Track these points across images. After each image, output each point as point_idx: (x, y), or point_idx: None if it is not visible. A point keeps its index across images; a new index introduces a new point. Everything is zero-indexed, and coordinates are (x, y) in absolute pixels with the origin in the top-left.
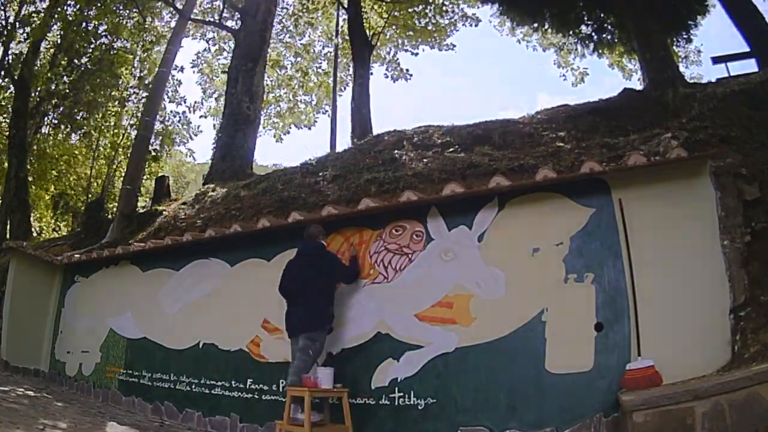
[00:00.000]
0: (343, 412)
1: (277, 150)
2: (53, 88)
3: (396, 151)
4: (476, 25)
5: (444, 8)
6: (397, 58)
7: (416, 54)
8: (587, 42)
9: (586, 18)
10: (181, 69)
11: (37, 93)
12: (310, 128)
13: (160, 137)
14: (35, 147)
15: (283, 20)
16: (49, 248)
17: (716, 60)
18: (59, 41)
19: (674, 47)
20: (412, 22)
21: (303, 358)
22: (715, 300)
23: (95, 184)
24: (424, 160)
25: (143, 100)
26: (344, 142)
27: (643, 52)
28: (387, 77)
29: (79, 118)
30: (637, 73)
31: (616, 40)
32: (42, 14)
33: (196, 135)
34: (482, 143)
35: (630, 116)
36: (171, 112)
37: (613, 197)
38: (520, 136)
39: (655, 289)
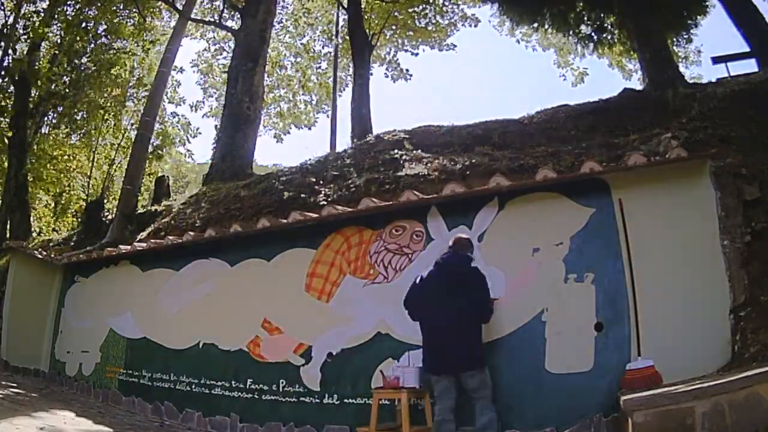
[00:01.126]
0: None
1: (277, 150)
2: (53, 88)
3: (396, 151)
4: (476, 26)
5: (444, 8)
6: (397, 58)
7: (416, 54)
8: (587, 42)
9: (586, 18)
10: (181, 70)
11: (37, 93)
12: (310, 128)
13: (160, 137)
14: (35, 147)
15: (283, 20)
16: (49, 248)
17: (716, 60)
18: (59, 41)
19: (674, 47)
20: (412, 22)
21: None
22: (715, 300)
23: (95, 184)
24: (424, 160)
25: (143, 100)
26: (344, 142)
27: (643, 52)
28: (387, 77)
29: (79, 118)
30: (637, 73)
31: (616, 40)
32: (42, 14)
33: (195, 136)
34: (482, 143)
35: (630, 116)
36: (171, 113)
37: (613, 197)
38: (520, 136)
39: (655, 289)
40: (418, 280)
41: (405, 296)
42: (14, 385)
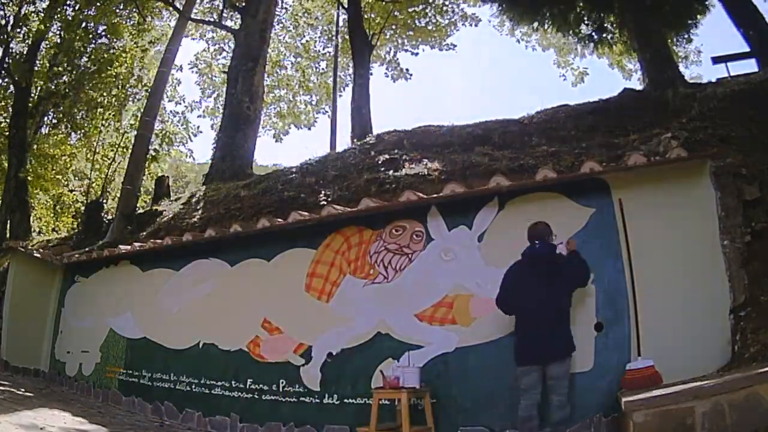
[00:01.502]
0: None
1: (277, 150)
2: (53, 88)
3: (396, 151)
4: (476, 25)
5: (444, 8)
6: (397, 58)
7: (416, 54)
8: (587, 42)
9: (586, 18)
10: (180, 68)
11: (37, 93)
12: (310, 128)
13: (160, 137)
14: (35, 147)
15: (283, 20)
16: (49, 248)
17: (716, 60)
18: (59, 41)
19: (674, 47)
20: (412, 22)
21: (563, 392)
22: (715, 300)
23: (95, 184)
24: (424, 160)
25: (143, 100)
26: (344, 142)
27: (643, 52)
28: (387, 77)
29: (78, 118)
30: (637, 73)
31: (616, 40)
32: (42, 14)
33: (195, 135)
34: (482, 143)
35: (630, 116)
36: (170, 111)
37: (613, 197)
38: (520, 136)
39: (655, 289)
40: (506, 276)
41: (497, 294)
42: (14, 384)
